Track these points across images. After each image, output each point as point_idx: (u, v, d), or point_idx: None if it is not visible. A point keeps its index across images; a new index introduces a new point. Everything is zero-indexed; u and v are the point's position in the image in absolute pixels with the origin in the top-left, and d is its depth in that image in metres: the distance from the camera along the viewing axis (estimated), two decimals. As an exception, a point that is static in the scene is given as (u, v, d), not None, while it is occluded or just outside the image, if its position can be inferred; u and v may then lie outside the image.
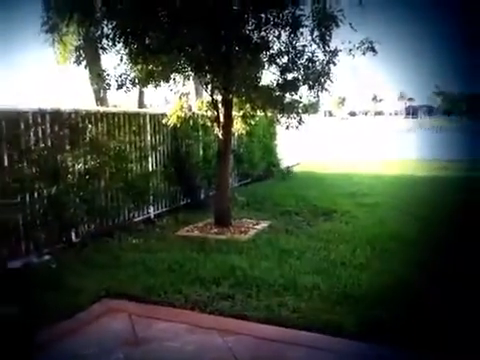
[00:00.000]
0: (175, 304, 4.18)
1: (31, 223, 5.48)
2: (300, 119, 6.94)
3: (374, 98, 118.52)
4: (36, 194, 5.58)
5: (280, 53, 6.48)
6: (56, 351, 3.42)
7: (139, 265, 5.15)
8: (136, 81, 6.47)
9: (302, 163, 15.40)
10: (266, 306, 4.04)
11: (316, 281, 4.54)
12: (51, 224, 5.73)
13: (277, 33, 6.38)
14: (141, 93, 13.22)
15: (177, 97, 7.34)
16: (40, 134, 5.64)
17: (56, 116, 5.85)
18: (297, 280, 4.59)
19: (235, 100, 6.92)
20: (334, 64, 6.45)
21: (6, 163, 5.16)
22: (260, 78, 6.79)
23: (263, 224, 7.16)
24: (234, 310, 3.99)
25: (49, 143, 5.75)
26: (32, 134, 5.52)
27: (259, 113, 7.56)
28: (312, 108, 7.97)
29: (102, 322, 3.93)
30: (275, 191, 9.92)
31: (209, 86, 6.90)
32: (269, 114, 7.48)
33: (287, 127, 7.14)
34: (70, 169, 6.08)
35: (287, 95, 6.77)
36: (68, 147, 6.05)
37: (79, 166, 6.23)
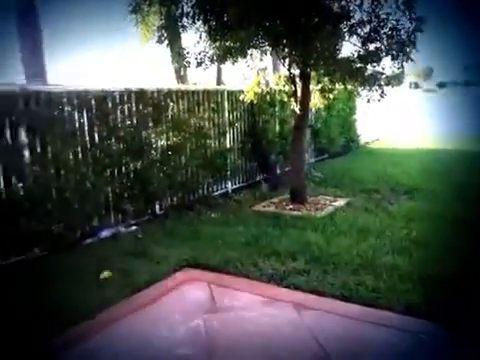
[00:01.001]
0: (251, 276, 4.30)
1: (119, 196, 5.89)
2: (382, 92, 6.61)
3: (466, 68, 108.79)
4: (123, 169, 5.97)
5: (361, 23, 6.18)
6: (144, 314, 3.70)
7: (217, 237, 5.34)
8: (214, 58, 6.56)
9: (383, 139, 14.72)
10: (343, 283, 4.01)
11: (396, 261, 4.40)
12: (137, 197, 6.12)
13: (359, 1, 6.09)
14: (219, 70, 13.39)
15: (254, 73, 7.34)
16: (126, 112, 5.98)
17: (140, 95, 6.16)
18: (376, 259, 4.49)
19: (313, 74, 6.76)
20: (421, 31, 6.02)
21: (97, 140, 5.56)
22: (340, 50, 6.54)
23: (340, 201, 7.02)
24: (310, 285, 4.01)
25: (134, 121, 6.08)
26: (119, 112, 5.87)
27: (338, 86, 7.32)
28: (395, 80, 7.52)
29: (183, 290, 4.17)
30: (353, 167, 9.63)
31: (287, 60, 6.79)
32: (349, 87, 7.22)
33: (368, 101, 6.84)
34: (153, 145, 6.40)
35: (369, 67, 6.47)
36: (151, 124, 6.35)
37: (162, 142, 6.54)
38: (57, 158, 5.07)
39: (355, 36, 6.29)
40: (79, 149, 5.33)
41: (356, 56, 6.38)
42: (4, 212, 4.55)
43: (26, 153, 4.78)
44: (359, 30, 6.23)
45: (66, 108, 5.18)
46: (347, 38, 6.36)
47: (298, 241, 5.10)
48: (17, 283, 4.14)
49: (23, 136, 4.76)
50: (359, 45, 6.33)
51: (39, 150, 4.91)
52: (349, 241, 5.07)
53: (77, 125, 5.32)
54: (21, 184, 4.74)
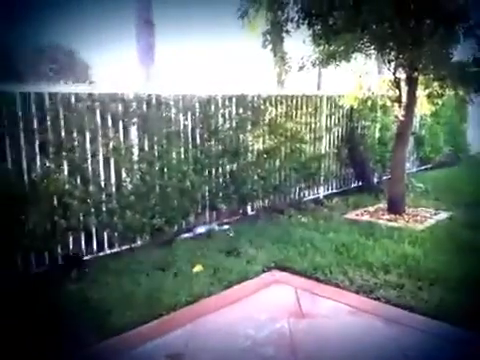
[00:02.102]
0: (340, 285, 4.21)
1: (215, 195, 6.16)
2: (499, 99, 6.04)
3: None
4: (220, 169, 6.22)
5: (480, 24, 5.70)
6: (231, 311, 3.84)
7: (307, 242, 5.31)
8: (317, 62, 6.53)
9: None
10: (439, 301, 3.75)
11: (504, 285, 3.99)
12: (231, 197, 6.33)
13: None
14: (320, 75, 13.24)
15: (356, 77, 7.16)
16: (227, 116, 6.22)
17: (240, 100, 6.37)
18: (479, 279, 4.11)
19: (421, 78, 6.40)
20: None
21: (198, 141, 5.87)
22: (453, 53, 6.11)
23: (443, 214, 6.55)
24: (402, 300, 3.82)
25: (233, 124, 6.31)
26: (220, 115, 6.13)
27: (448, 92, 6.83)
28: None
29: (270, 291, 4.23)
30: (460, 179, 8.89)
31: (392, 64, 6.52)
32: (460, 93, 6.69)
33: (482, 107, 6.30)
34: (250, 148, 6.57)
35: (485, 71, 5.94)
36: (249, 128, 6.53)
37: (258, 145, 6.69)
38: (162, 157, 5.45)
39: (473, 38, 5.82)
40: (181, 149, 5.68)
41: (471, 60, 5.91)
42: (112, 205, 5.02)
43: (135, 151, 5.22)
44: (478, 32, 5.75)
45: (173, 110, 5.55)
46: (462, 40, 5.91)
47: (393, 253, 4.88)
48: (118, 271, 4.54)
49: (133, 136, 5.21)
50: (477, 48, 5.85)
51: (146, 149, 5.33)
52: (449, 258, 4.71)
53: (181, 127, 5.67)
54: (129, 179, 5.19)
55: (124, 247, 5.18)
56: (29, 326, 3.43)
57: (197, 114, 5.83)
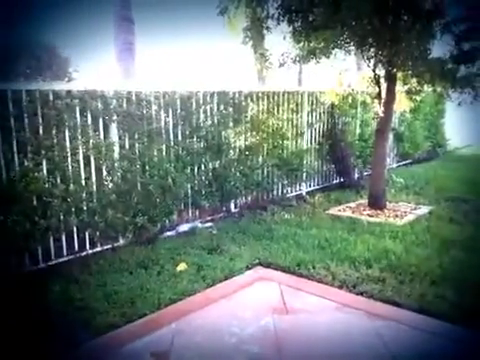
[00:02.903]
0: (323, 280, 4.25)
1: (197, 192, 6.13)
2: (476, 94, 6.17)
3: None
4: (202, 167, 6.19)
5: (457, 20, 5.79)
6: (216, 309, 3.83)
7: (290, 239, 5.34)
8: (297, 59, 6.56)
9: (475, 144, 13.65)
10: (420, 295, 3.82)
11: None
12: (214, 194, 6.31)
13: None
14: (300, 71, 13.31)
15: (337, 73, 7.22)
16: (208, 112, 6.19)
17: (222, 96, 6.34)
18: (460, 273, 4.20)
19: (399, 74, 6.49)
20: None
21: (179, 138, 5.83)
22: (430, 49, 6.21)
23: (423, 209, 6.67)
24: (384, 294, 3.87)
25: (215, 121, 6.28)
26: (201, 112, 6.10)
27: (426, 88, 6.95)
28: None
29: (254, 288, 4.23)
30: (439, 174, 9.08)
31: (372, 60, 6.59)
32: (438, 89, 6.82)
33: (459, 103, 6.42)
34: (232, 145, 6.56)
35: (462, 68, 6.06)
36: (231, 124, 6.51)
37: (240, 142, 6.68)
38: (143, 154, 5.39)
39: (449, 34, 5.92)
40: (163, 146, 5.63)
41: (448, 56, 6.02)
42: (93, 204, 4.94)
43: (116, 149, 5.15)
44: (454, 28, 5.85)
45: (153, 107, 5.49)
46: (439, 37, 6.01)
47: (374, 248, 4.94)
48: (100, 270, 4.49)
49: (114, 133, 5.13)
50: (452, 44, 5.95)
51: (127, 146, 5.26)
52: (430, 252, 4.81)
53: (162, 123, 5.61)
54: (110, 178, 5.12)
55: (106, 246, 5.11)
56: (14, 326, 3.36)
57: (178, 111, 5.78)
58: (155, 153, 5.54)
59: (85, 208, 4.89)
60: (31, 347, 3.17)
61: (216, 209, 6.45)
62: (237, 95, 6.58)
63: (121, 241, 5.25)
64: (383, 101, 6.63)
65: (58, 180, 4.64)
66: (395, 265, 4.46)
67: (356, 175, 8.76)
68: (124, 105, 5.19)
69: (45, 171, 4.55)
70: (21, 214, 4.31)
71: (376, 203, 6.75)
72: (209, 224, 6.09)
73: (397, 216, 6.37)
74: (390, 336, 3.29)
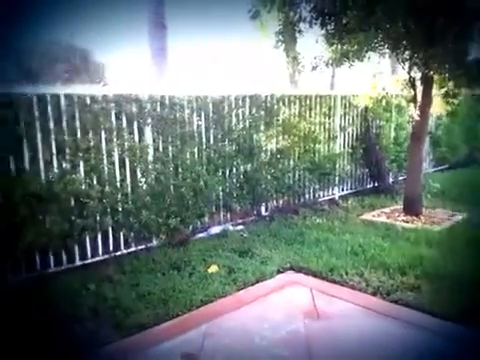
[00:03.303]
0: (356, 287, 4.18)
1: (229, 195, 6.15)
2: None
3: None
4: (234, 170, 6.22)
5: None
6: (246, 311, 3.83)
7: (322, 244, 5.28)
8: (330, 62, 6.50)
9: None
10: (457, 304, 3.69)
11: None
12: (245, 197, 6.32)
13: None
14: (333, 75, 13.18)
15: (370, 77, 7.11)
16: (240, 116, 6.22)
17: (254, 100, 6.36)
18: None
19: (436, 77, 6.32)
20: None
21: (211, 141, 5.88)
22: (468, 51, 6.02)
23: (460, 216, 6.45)
24: (419, 303, 3.77)
25: (247, 124, 6.30)
26: (233, 116, 6.13)
27: (464, 91, 6.74)
28: None
29: (285, 292, 4.21)
30: (478, 180, 8.75)
31: (407, 63, 6.45)
32: (476, 92, 6.60)
33: (499, 107, 6.20)
34: (263, 148, 6.56)
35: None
36: (263, 128, 6.52)
37: (271, 145, 6.67)
38: (176, 157, 5.47)
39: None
40: (195, 149, 5.69)
41: (487, 58, 5.83)
42: (128, 205, 5.05)
43: (150, 151, 5.25)
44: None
45: (186, 111, 5.57)
46: (478, 39, 5.83)
47: (409, 255, 4.81)
48: (134, 270, 4.58)
49: (148, 136, 5.24)
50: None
51: (161, 149, 5.35)
52: (469, 260, 4.63)
53: (195, 127, 5.68)
54: (144, 180, 5.22)
55: (140, 247, 5.21)
56: (49, 322, 3.47)
57: (211, 114, 5.83)
58: (187, 156, 5.60)
59: (120, 209, 5.00)
60: (64, 343, 3.26)
61: (247, 212, 6.46)
62: (269, 98, 6.58)
63: (154, 242, 5.34)
64: (419, 104, 6.48)
65: (94, 181, 4.78)
66: (431, 273, 4.33)
67: (391, 180, 8.57)
68: (158, 109, 5.29)
69: (82, 173, 4.68)
70: (59, 214, 4.46)
71: (412, 209, 6.58)
72: (240, 227, 6.11)
73: (433, 222, 6.19)
74: (424, 346, 3.20)
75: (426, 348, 3.17)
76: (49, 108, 4.40)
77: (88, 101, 4.70)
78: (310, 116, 7.23)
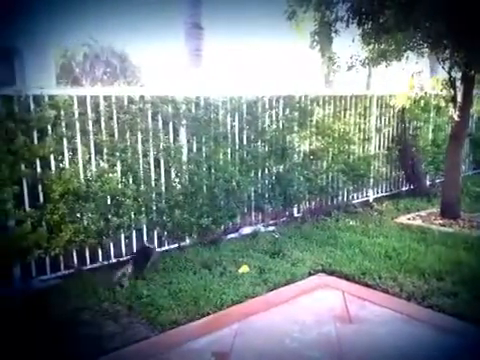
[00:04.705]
0: (389, 291, 4.09)
1: (261, 196, 6.16)
2: None
3: None
4: (266, 170, 6.22)
5: None
6: (277, 313, 3.83)
7: (355, 247, 5.20)
8: (366, 62, 6.40)
9: None
10: (497, 313, 3.56)
11: None
12: (277, 198, 6.31)
13: None
14: (369, 75, 12.95)
15: (408, 76, 6.94)
16: (274, 116, 6.21)
17: (288, 100, 6.34)
18: None
19: (477, 77, 6.10)
20: None
21: (244, 142, 5.90)
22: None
23: (501, 221, 6.19)
24: (456, 309, 3.65)
25: (280, 125, 6.28)
26: (267, 116, 6.14)
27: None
28: None
29: (317, 294, 4.18)
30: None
31: (447, 62, 6.25)
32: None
33: None
34: (296, 149, 6.52)
35: None
36: (296, 128, 6.48)
37: (304, 146, 6.63)
38: (209, 157, 5.53)
39: None
40: (228, 150, 5.73)
41: None
42: (162, 204, 5.15)
43: (184, 152, 5.33)
44: None
45: (220, 112, 5.62)
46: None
47: (446, 260, 4.68)
48: (167, 269, 4.66)
49: (182, 137, 5.32)
50: None
51: (195, 150, 5.42)
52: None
53: (229, 128, 5.72)
54: (178, 179, 5.31)
55: (173, 245, 5.30)
56: (79, 320, 3.60)
57: (244, 115, 5.86)
58: (221, 156, 5.65)
59: (154, 208, 5.11)
60: (99, 338, 3.37)
61: (279, 213, 6.45)
62: (303, 99, 6.54)
63: (187, 241, 5.42)
64: (458, 105, 6.27)
65: (130, 181, 4.90)
66: (469, 279, 4.18)
67: (428, 182, 8.34)
68: (193, 110, 5.36)
69: (119, 172, 4.82)
70: (96, 212, 4.61)
71: (449, 212, 6.38)
72: (272, 228, 6.10)
73: (472, 227, 5.98)
74: (459, 353, 3.10)
75: (460, 355, 3.07)
76: (88, 109, 4.56)
77: (126, 102, 4.82)
78: (345, 117, 7.13)
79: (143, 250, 4.83)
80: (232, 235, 5.79)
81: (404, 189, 8.21)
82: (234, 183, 5.72)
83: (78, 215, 4.52)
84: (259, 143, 6.07)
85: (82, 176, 4.56)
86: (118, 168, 4.81)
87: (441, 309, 3.70)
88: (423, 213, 6.74)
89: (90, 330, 3.46)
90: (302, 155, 6.62)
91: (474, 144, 9.62)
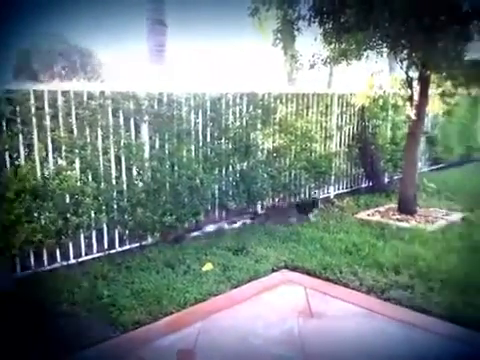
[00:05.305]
0: (350, 285, 4.20)
1: (224, 193, 6.16)
2: (513, 99, 5.97)
3: None
4: (230, 168, 6.22)
5: (494, 22, 5.62)
6: (241, 310, 3.84)
7: (317, 242, 5.30)
8: (328, 60, 6.51)
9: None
10: (450, 304, 3.72)
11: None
12: (241, 196, 6.33)
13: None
14: (330, 73, 13.18)
15: (368, 75, 7.12)
16: (237, 114, 6.22)
17: (251, 97, 6.36)
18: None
19: (433, 77, 6.34)
20: None
21: (208, 139, 5.88)
22: (466, 52, 6.04)
23: (455, 215, 6.48)
24: (413, 302, 3.80)
25: (244, 122, 6.30)
26: (231, 114, 6.13)
27: (461, 91, 6.76)
28: None
29: (280, 291, 4.22)
30: (474, 180, 8.79)
31: (405, 62, 6.46)
32: (473, 92, 6.63)
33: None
34: (260, 146, 6.56)
35: (499, 71, 5.87)
36: (259, 126, 6.52)
37: (268, 144, 6.68)
38: (172, 154, 5.47)
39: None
40: (192, 147, 5.69)
41: (485, 59, 5.85)
42: (123, 202, 5.05)
43: (146, 149, 5.24)
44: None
45: (184, 108, 5.56)
46: (477, 39, 5.84)
47: (403, 254, 4.84)
48: (129, 268, 4.58)
49: (144, 133, 5.23)
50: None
51: (157, 147, 5.34)
52: (461, 260, 4.66)
53: (192, 124, 5.67)
54: (140, 177, 5.22)
55: (135, 244, 5.21)
56: (40, 322, 3.48)
57: (208, 112, 5.83)
58: (184, 154, 5.60)
59: (115, 206, 5.00)
60: (60, 340, 3.27)
61: (243, 210, 6.47)
62: (266, 97, 6.58)
63: (149, 240, 5.34)
64: (415, 104, 6.49)
65: (90, 179, 4.77)
66: (425, 272, 4.36)
67: (386, 179, 8.60)
68: (155, 106, 5.28)
69: (78, 170, 4.68)
70: (54, 211, 4.46)
71: (406, 208, 6.61)
72: (235, 225, 6.12)
73: (428, 222, 6.22)
74: (418, 344, 3.23)
75: (419, 346, 3.19)
76: (46, 104, 4.39)
77: (85, 98, 4.68)
78: (307, 115, 7.23)
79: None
80: (196, 233, 5.76)
81: (364, 186, 8.43)
82: (198, 180, 5.68)
83: (35, 214, 4.36)
84: (223, 140, 6.06)
85: (39, 174, 4.40)
86: (77, 165, 4.67)
87: (398, 301, 3.83)
88: (382, 209, 6.95)
89: (45, 334, 3.34)
90: (266, 152, 6.66)
91: (430, 142, 10.00)
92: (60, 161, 4.57)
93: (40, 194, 4.37)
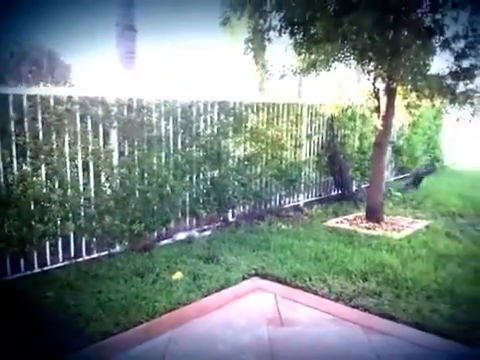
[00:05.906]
0: (319, 293, 4.23)
1: (195, 201, 6.12)
2: (474, 110, 6.22)
3: None
4: (201, 175, 6.20)
5: (456, 37, 5.87)
6: (211, 319, 3.81)
7: (287, 250, 5.33)
8: (298, 71, 6.61)
9: (475, 159, 13.69)
10: (416, 310, 3.81)
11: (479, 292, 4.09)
12: (211, 203, 6.31)
13: (455, 14, 5.77)
14: (300, 84, 13.40)
15: (336, 86, 7.27)
16: (208, 122, 6.21)
17: (223, 106, 6.37)
18: (456, 288, 4.20)
19: (399, 89, 6.54)
20: None
21: (179, 146, 5.84)
22: (429, 65, 6.28)
23: (420, 223, 6.67)
24: (380, 308, 3.86)
25: (215, 130, 6.30)
26: (202, 121, 6.12)
27: (425, 103, 7.00)
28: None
29: (250, 298, 4.21)
30: (437, 189, 9.09)
31: (372, 74, 6.64)
32: (437, 104, 6.88)
33: (457, 119, 6.47)
34: (231, 154, 6.57)
35: (461, 84, 6.12)
36: (230, 134, 6.54)
37: (239, 152, 6.70)
38: (142, 161, 5.40)
39: (448, 51, 5.99)
40: (162, 154, 5.63)
41: (448, 72, 6.08)
42: (91, 210, 4.93)
43: (115, 155, 5.15)
44: (453, 45, 5.92)
45: (154, 115, 5.51)
46: (439, 53, 6.08)
47: (371, 261, 4.93)
48: (96, 277, 4.46)
49: (113, 140, 5.14)
50: (452, 61, 6.02)
51: (127, 153, 5.26)
52: (426, 266, 4.80)
53: (162, 131, 5.63)
54: (108, 184, 5.12)
55: (103, 253, 5.09)
56: (5, 331, 3.34)
57: (178, 119, 5.80)
58: (154, 161, 5.54)
59: (82, 214, 4.88)
60: (24, 353, 3.14)
61: (213, 218, 6.44)
62: (237, 105, 6.61)
63: (118, 248, 5.23)
64: (382, 115, 6.67)
65: (56, 185, 4.64)
66: (391, 279, 4.45)
67: (354, 187, 8.78)
68: (125, 112, 5.21)
69: (43, 176, 4.54)
70: (18, 218, 4.31)
71: (373, 216, 6.75)
72: (206, 233, 6.08)
73: (394, 229, 6.37)
74: (386, 350, 3.28)
75: (388, 353, 3.24)
76: (10, 108, 4.26)
77: (52, 102, 4.57)
78: (277, 123, 7.31)
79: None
80: (166, 241, 5.69)
81: (333, 194, 8.57)
82: (168, 188, 5.63)
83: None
84: (194, 148, 6.04)
85: (2, 180, 4.24)
86: (43, 172, 4.54)
87: (366, 308, 3.89)
88: (350, 217, 7.08)
89: (6, 346, 3.20)
90: (237, 160, 6.68)
91: (396, 152, 10.30)
92: (25, 167, 4.42)
93: (3, 201, 4.21)
